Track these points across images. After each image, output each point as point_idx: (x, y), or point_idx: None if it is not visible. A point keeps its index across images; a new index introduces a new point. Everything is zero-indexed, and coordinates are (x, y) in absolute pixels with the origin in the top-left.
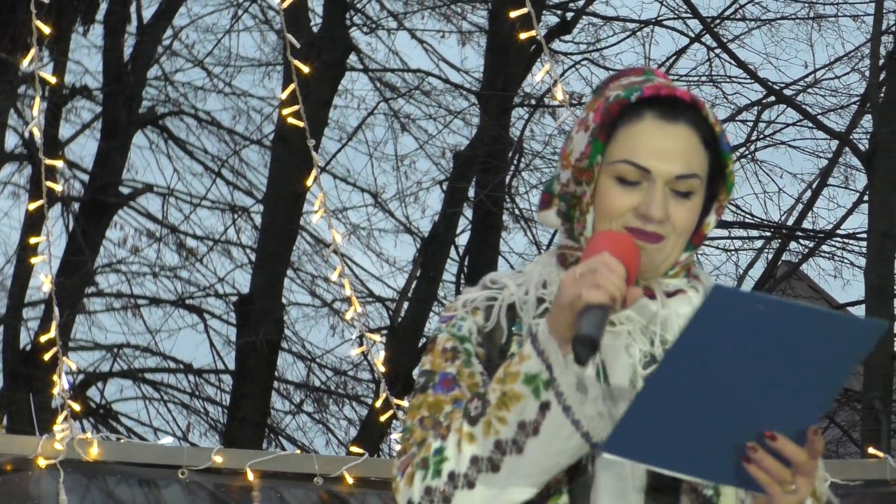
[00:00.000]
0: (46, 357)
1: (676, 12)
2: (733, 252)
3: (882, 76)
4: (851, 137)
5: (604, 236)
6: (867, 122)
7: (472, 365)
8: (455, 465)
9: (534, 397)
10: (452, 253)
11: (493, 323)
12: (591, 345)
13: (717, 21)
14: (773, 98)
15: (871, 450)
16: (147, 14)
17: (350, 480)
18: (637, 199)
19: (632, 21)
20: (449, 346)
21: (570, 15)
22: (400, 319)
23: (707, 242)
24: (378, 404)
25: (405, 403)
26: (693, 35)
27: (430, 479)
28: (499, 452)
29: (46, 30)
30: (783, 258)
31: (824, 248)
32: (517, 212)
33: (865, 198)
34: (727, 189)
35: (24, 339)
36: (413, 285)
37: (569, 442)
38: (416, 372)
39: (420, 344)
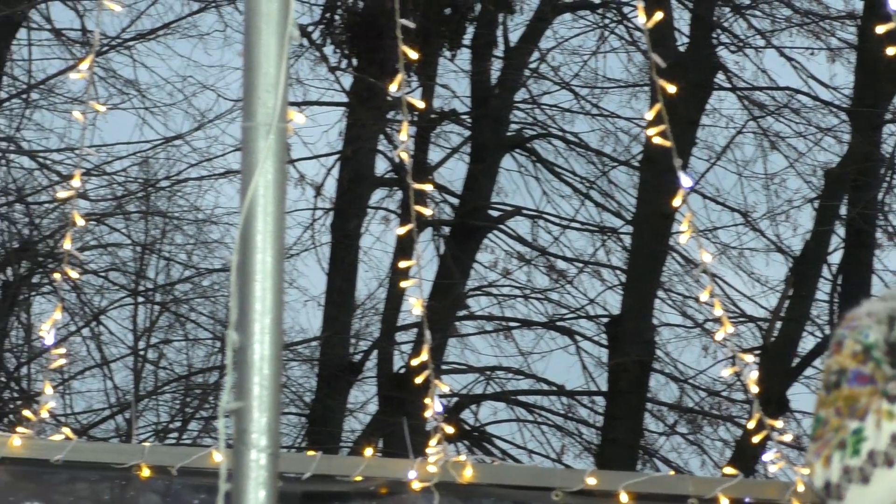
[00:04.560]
0: (419, 380)
1: None
2: None
3: None
4: None
5: None
6: None
7: (884, 369)
8: (874, 444)
9: None
10: (825, 271)
11: None
12: None
13: None
14: None
15: None
16: (513, 37)
17: (725, 502)
18: None
19: None
20: (859, 349)
21: None
22: (772, 339)
23: None
24: (751, 425)
25: (779, 424)
26: None
27: (849, 459)
28: None
29: (413, 55)
30: None
31: None
32: (891, 229)
33: None
34: None
35: (398, 363)
36: (785, 305)
37: None
38: (829, 366)
39: (793, 364)
